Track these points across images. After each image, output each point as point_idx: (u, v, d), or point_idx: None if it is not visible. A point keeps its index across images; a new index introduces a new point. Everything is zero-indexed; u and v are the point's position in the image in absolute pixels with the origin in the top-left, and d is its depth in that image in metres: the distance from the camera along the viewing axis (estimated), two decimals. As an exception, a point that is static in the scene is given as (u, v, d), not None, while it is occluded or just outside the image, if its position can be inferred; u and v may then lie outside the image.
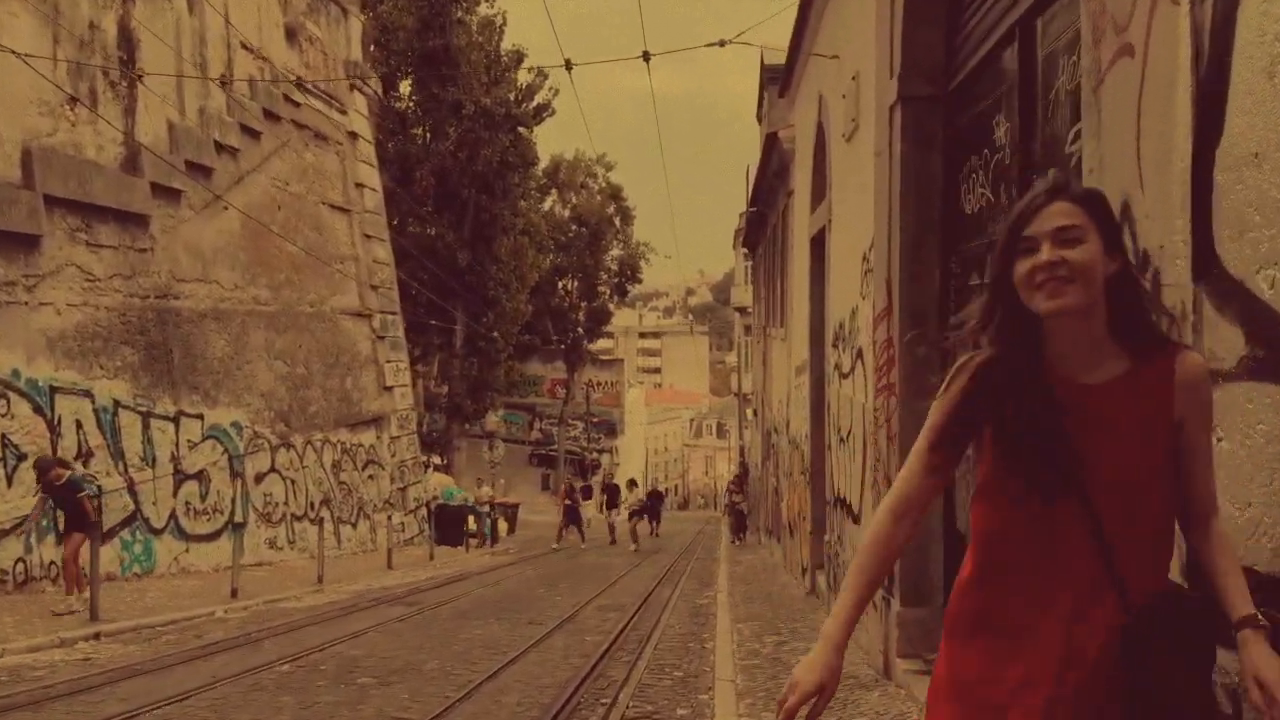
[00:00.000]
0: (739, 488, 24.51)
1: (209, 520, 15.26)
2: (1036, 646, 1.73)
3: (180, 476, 14.64)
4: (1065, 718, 1.70)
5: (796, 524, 12.86)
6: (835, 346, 8.83)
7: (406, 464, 24.03)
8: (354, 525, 20.60)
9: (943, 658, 1.88)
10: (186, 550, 14.65)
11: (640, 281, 53.51)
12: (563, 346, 52.73)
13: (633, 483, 26.37)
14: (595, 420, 58.93)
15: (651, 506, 27.05)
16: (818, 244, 10.77)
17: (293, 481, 18.22)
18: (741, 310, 46.12)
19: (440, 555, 21.57)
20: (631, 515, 23.59)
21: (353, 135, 23.23)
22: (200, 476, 15.15)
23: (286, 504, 17.89)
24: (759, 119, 23.58)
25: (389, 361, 23.57)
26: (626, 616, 10.22)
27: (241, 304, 17.16)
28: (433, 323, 30.54)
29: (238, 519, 16.05)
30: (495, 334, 31.97)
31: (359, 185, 23.23)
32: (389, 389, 23.44)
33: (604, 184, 52.73)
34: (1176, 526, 1.82)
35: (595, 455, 59.14)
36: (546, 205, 51.82)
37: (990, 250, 2.10)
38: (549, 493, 53.55)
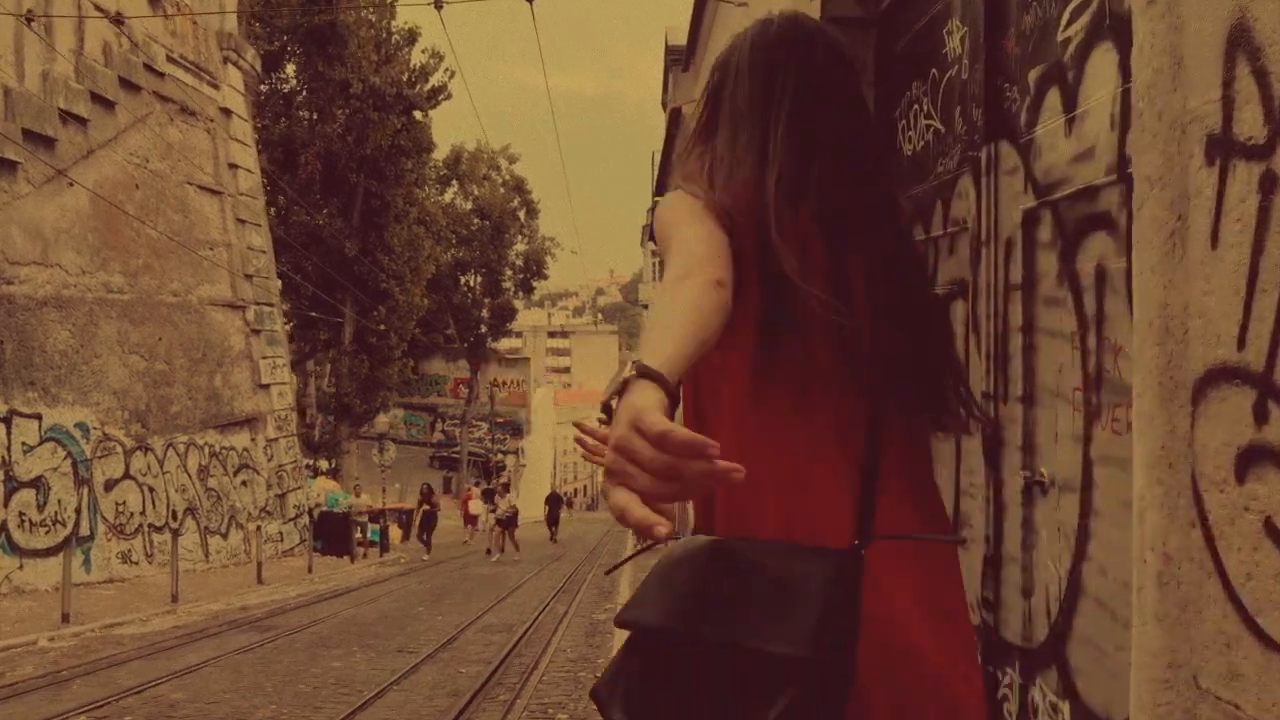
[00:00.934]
0: None
1: (48, 533, 13.50)
2: None
3: (12, 484, 12.88)
4: None
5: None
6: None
7: (286, 469, 22.32)
8: (224, 536, 18.87)
9: None
10: (20, 567, 12.90)
11: (546, 278, 52.17)
12: (465, 345, 51.00)
13: (505, 486, 24.77)
14: (501, 421, 57.35)
15: (551, 512, 26.01)
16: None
17: (151, 489, 16.48)
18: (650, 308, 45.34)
19: (322, 567, 19.98)
20: (498, 523, 21.62)
21: (226, 112, 21.45)
22: (37, 484, 13.39)
23: (144, 514, 16.14)
24: (664, 105, 22.62)
25: (265, 357, 21.83)
26: (513, 639, 9.04)
27: (90, 291, 15.38)
28: (316, 314, 28.80)
29: (82, 531, 14.31)
30: (387, 329, 30.27)
31: (232, 166, 21.46)
32: (265, 387, 21.70)
33: (507, 176, 51.25)
34: None
35: (500, 456, 57.60)
36: (447, 197, 50.13)
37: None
38: (449, 495, 51.86)
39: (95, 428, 15.04)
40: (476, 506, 34.56)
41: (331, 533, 24.19)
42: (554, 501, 27.81)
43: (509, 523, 21.36)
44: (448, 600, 12.80)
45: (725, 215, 1.38)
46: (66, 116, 15.11)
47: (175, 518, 16.98)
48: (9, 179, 13.60)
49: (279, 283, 26.76)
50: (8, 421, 12.95)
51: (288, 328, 35.19)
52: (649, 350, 1.13)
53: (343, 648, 8.82)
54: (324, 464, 33.50)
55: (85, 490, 14.52)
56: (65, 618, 10.59)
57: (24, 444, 13.22)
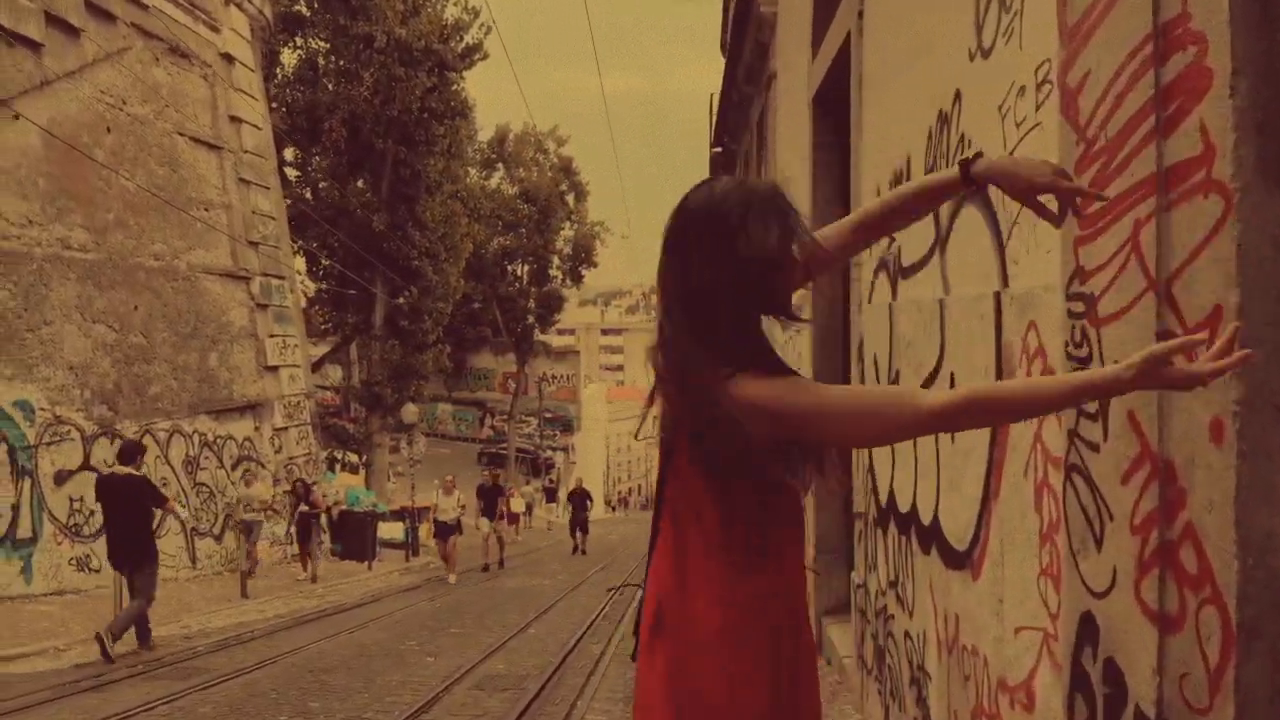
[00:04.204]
0: None
1: (-34, 537, 10.97)
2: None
3: (-88, 477, 10.34)
4: None
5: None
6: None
7: (297, 462, 19.73)
8: (217, 538, 16.29)
9: None
10: (-80, 581, 10.35)
11: (595, 265, 49.33)
12: (512, 337, 48.48)
13: (497, 486, 18.97)
14: (550, 416, 54.79)
15: (575, 514, 21.30)
16: (828, 100, 6.81)
17: (120, 483, 13.88)
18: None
19: (334, 574, 17.35)
20: (441, 532, 17.08)
21: (228, 59, 18.90)
22: (-49, 476, 10.86)
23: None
24: (722, 47, 19.55)
25: (273, 336, 19.26)
26: (519, 706, 6.15)
27: (39, 246, 12.84)
28: (338, 290, 26.29)
29: (21, 533, 11.76)
30: (420, 312, 27.65)
31: (235, 119, 18.90)
32: (272, 369, 19.12)
33: (555, 159, 48.53)
34: None
35: (550, 453, 55.08)
36: (493, 183, 47.62)
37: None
38: (501, 498, 49.26)
39: (43, 409, 12.49)
40: (517, 505, 32.03)
41: (351, 534, 21.61)
42: (579, 501, 22.28)
43: (451, 530, 16.52)
44: (454, 627, 9.97)
45: None
46: (12, 38, 12.57)
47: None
48: (-78, 101, 11.08)
49: (294, 254, 24.29)
50: (-90, 397, 10.41)
51: (323, 312, 32.93)
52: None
53: (263, 716, 5.99)
54: (354, 458, 31.09)
55: (27, 484, 11.97)
56: (-64, 653, 7.95)
57: (-66, 426, 10.68)
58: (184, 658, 8.22)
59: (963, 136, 3.57)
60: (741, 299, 1.69)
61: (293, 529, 16.97)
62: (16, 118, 12.44)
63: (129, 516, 8.73)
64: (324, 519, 20.95)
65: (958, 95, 3.61)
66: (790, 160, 8.83)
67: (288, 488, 17.60)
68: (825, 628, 7.03)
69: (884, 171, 4.69)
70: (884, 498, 4.72)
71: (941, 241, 3.75)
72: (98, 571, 12.84)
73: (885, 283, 4.70)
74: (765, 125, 11.33)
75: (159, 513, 9.79)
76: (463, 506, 16.75)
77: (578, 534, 22.72)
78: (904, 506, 4.28)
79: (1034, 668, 2.92)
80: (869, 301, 5.12)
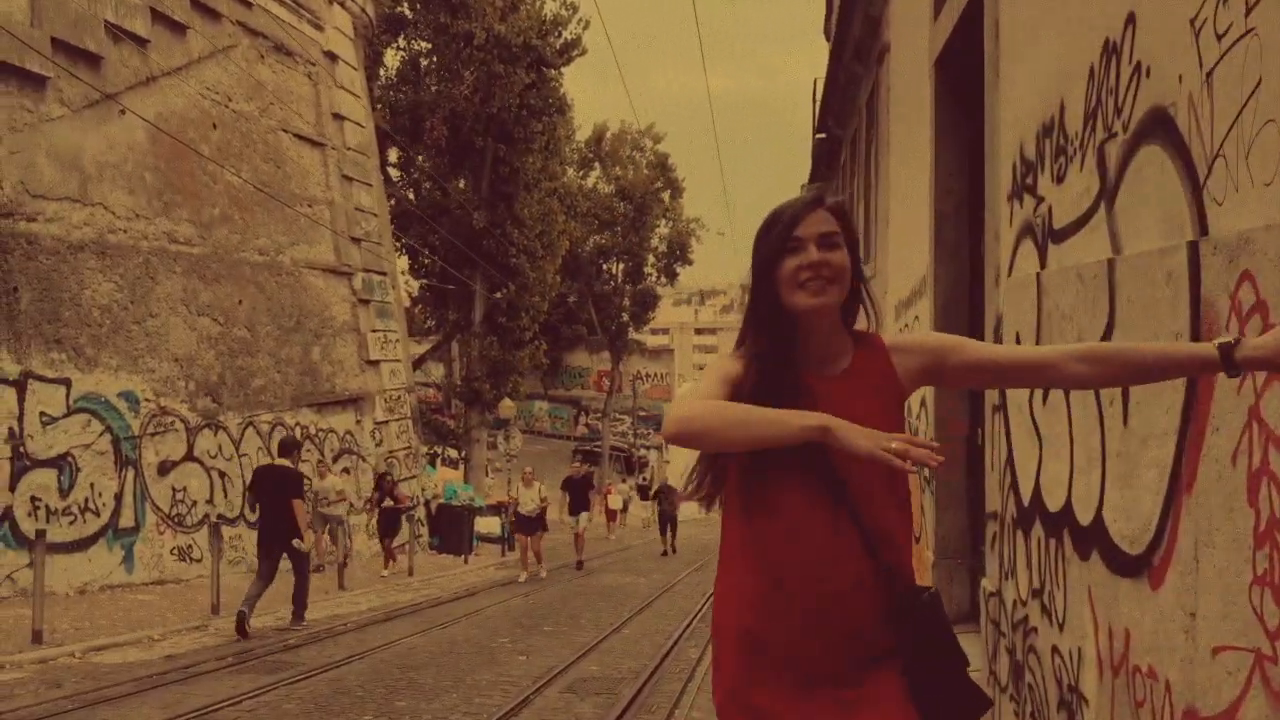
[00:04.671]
0: None
1: (74, 523, 11.12)
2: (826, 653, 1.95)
3: (24, 463, 10.52)
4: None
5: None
6: (1024, 193, 4.31)
7: (397, 455, 19.82)
8: (317, 530, 16.36)
9: None
10: (30, 564, 10.50)
11: (691, 263, 48.87)
12: (607, 335, 48.44)
13: (587, 478, 17.97)
14: (644, 414, 54.65)
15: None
16: (953, 61, 6.24)
17: (223, 474, 14.07)
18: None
19: (430, 568, 17.33)
20: (522, 526, 15.51)
21: (331, 57, 19.11)
22: (60, 463, 11.03)
23: (211, 503, 13.73)
24: (826, 33, 18.87)
25: (375, 331, 19.40)
26: (615, 712, 5.76)
27: (146, 239, 13.04)
28: (439, 285, 26.41)
29: (124, 522, 11.93)
30: (518, 309, 27.63)
31: (338, 116, 19.09)
32: (373, 364, 19.26)
33: (651, 156, 48.25)
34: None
35: (643, 452, 54.90)
36: (590, 181, 47.63)
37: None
38: (592, 492, 49.37)
39: (148, 400, 12.67)
40: (616, 501, 31.79)
41: (448, 528, 21.66)
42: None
43: (534, 524, 15.34)
44: (547, 625, 9.65)
45: None
46: (118, 33, 12.80)
47: (254, 509, 14.49)
48: (34, 96, 11.29)
49: (396, 251, 24.51)
50: (20, 386, 10.59)
51: (425, 310, 33.31)
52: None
53: (348, 715, 5.72)
54: (454, 453, 31.31)
55: (130, 473, 12.14)
56: (36, 636, 7.96)
57: (44, 414, 10.86)
58: (275, 650, 8.09)
59: (1138, 66, 3.01)
60: (753, 298, 1.98)
61: (375, 523, 16.75)
62: (123, 113, 12.65)
63: (281, 502, 9.41)
64: (421, 513, 21.07)
65: (1130, 18, 3.06)
66: (906, 134, 8.24)
67: (373, 483, 17.36)
68: (945, 638, 6.44)
69: (1029, 124, 4.14)
70: (1027, 495, 4.16)
71: (1108, 192, 3.20)
72: (199, 561, 12.99)
73: (1030, 251, 4.15)
74: (875, 103, 10.72)
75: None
76: (544, 499, 15.66)
77: (667, 532, 22.01)
78: (1054, 504, 3.73)
79: (1239, 697, 2.37)
80: (1008, 274, 4.56)
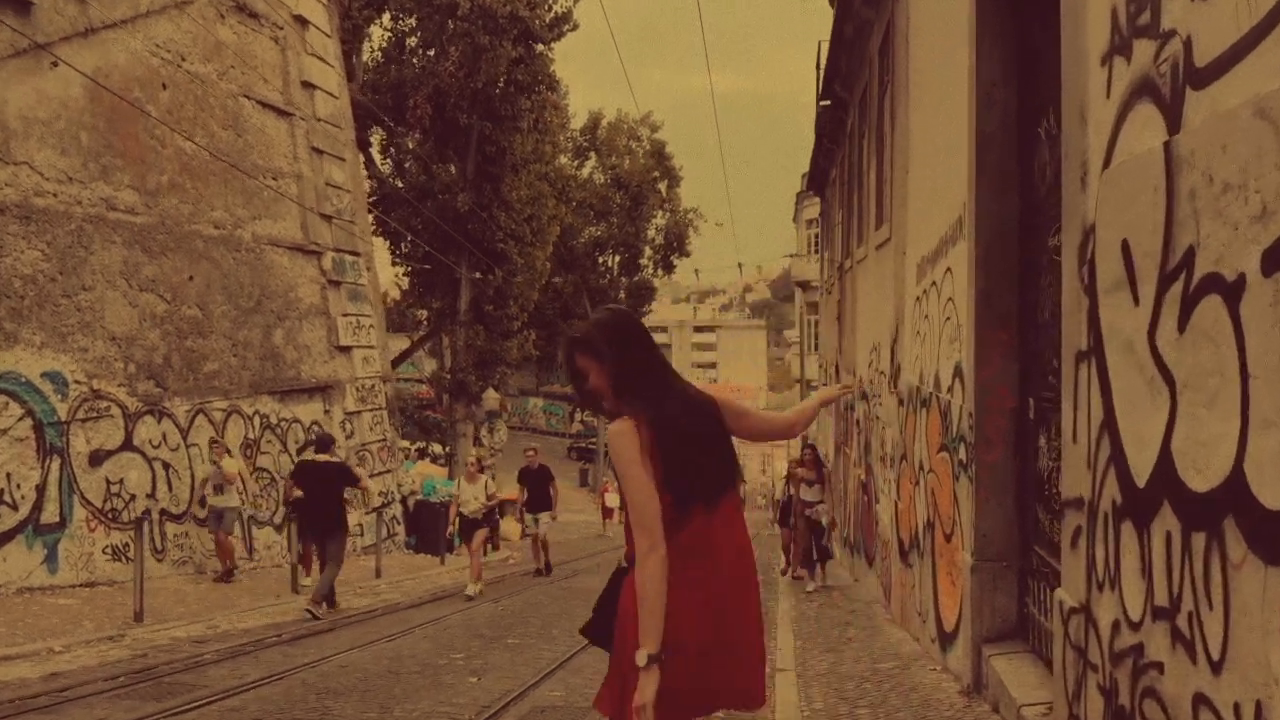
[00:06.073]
0: (815, 474, 11.62)
1: (-16, 519, 9.85)
2: None
3: (-80, 450, 9.24)
4: None
5: (921, 543, 7.02)
6: (1132, 40, 3.05)
7: (370, 449, 18.56)
8: (278, 528, 15.12)
9: None
10: (-74, 567, 9.24)
11: (688, 254, 47.56)
12: (602, 329, 47.05)
13: (543, 469, 14.73)
14: (640, 411, 53.22)
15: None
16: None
17: (168, 465, 12.80)
18: (804, 285, 40.08)
19: (401, 569, 16.09)
20: (466, 529, 12.69)
21: (300, 21, 17.81)
22: (-32, 452, 9.76)
23: (152, 497, 12.45)
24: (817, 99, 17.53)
25: (346, 315, 18.12)
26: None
27: (79, 205, 11.76)
28: (425, 266, 25.14)
29: (47, 517, 10.65)
30: (506, 297, 26.37)
31: (308, 85, 17.80)
32: (344, 350, 17.99)
33: (648, 145, 46.93)
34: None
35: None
36: (585, 172, 46.36)
37: None
38: (586, 488, 48.05)
39: (79, 381, 11.39)
40: (613, 499, 30.52)
41: (426, 527, 20.41)
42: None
43: (479, 526, 12.70)
44: (512, 636, 8.38)
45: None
46: (50, -25, 11.52)
47: (201, 504, 13.22)
48: (-57, 36, 10.02)
49: (374, 235, 23.26)
50: (-83, 361, 9.33)
51: (408, 301, 32.03)
52: (650, 638, 2.38)
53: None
54: (437, 448, 30.02)
55: (55, 463, 10.86)
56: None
57: (-53, 395, 9.59)
58: (182, 668, 6.82)
59: None
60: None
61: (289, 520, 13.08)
62: (55, 65, 11.37)
63: (327, 495, 10.30)
64: (398, 510, 19.78)
65: None
66: (932, 61, 6.98)
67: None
68: (988, 660, 5.18)
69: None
70: (1143, 471, 2.90)
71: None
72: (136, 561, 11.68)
73: (1148, 117, 2.88)
74: (890, 45, 9.46)
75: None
76: (492, 496, 12.86)
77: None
78: (1204, 481, 2.47)
79: None
80: (1104, 166, 3.30)
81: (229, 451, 13.22)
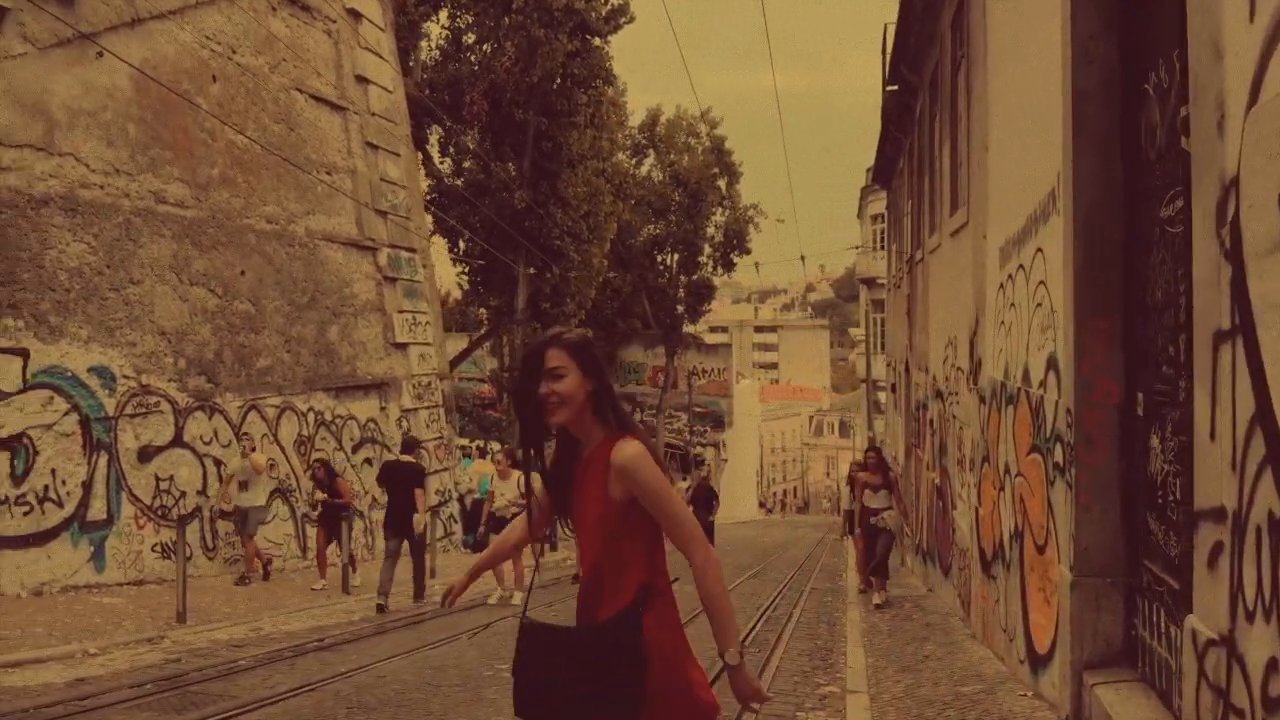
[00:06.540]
0: (880, 477, 10.75)
1: (29, 514, 9.68)
2: None
3: (-37, 445, 9.10)
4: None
5: (1007, 553, 6.38)
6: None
7: (427, 446, 18.28)
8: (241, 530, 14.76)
9: None
10: (-32, 563, 9.08)
11: (748, 251, 46.76)
12: (661, 329, 46.74)
13: (501, 466, 12.50)
14: (700, 411, 52.82)
15: (699, 519, 13.83)
16: None
17: (219, 462, 12.60)
18: (869, 283, 39.10)
19: (456, 569, 15.71)
20: (497, 529, 11.16)
21: (354, 14, 17.62)
22: (14, 445, 9.59)
23: (203, 494, 12.27)
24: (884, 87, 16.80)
25: (402, 311, 17.89)
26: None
27: (128, 198, 11.60)
28: (481, 262, 24.81)
29: (94, 514, 10.48)
30: (563, 295, 26.04)
31: (362, 79, 17.60)
32: (400, 346, 17.76)
33: (707, 142, 46.24)
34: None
35: (700, 449, 53.07)
36: (644, 169, 45.88)
37: None
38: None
39: (127, 376, 11.22)
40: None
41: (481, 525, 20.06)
42: (705, 501, 14.85)
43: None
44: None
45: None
46: (99, -34, 11.38)
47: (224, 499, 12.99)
48: (-11, 26, 9.89)
49: (429, 228, 23.05)
50: (-38, 355, 9.19)
51: (466, 302, 31.88)
52: (734, 636, 2.37)
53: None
54: (495, 446, 29.79)
55: (102, 459, 10.69)
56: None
57: (-9, 389, 9.44)
58: (214, 675, 6.47)
59: None
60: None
61: (312, 521, 13.40)
62: (100, 55, 11.22)
63: (407, 494, 10.68)
64: (455, 509, 19.50)
65: None
66: (1016, 22, 6.33)
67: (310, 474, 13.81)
68: (1091, 689, 4.57)
69: None
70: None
71: None
72: (188, 559, 11.45)
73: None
74: (964, 15, 8.80)
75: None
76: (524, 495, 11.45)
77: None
78: None
79: None
80: (1249, 105, 2.70)
81: (258, 447, 12.81)
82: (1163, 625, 4.27)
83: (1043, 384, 5.41)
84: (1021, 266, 6.05)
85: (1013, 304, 6.33)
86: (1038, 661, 5.47)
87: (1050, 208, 5.28)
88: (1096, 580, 4.69)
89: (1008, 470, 6.37)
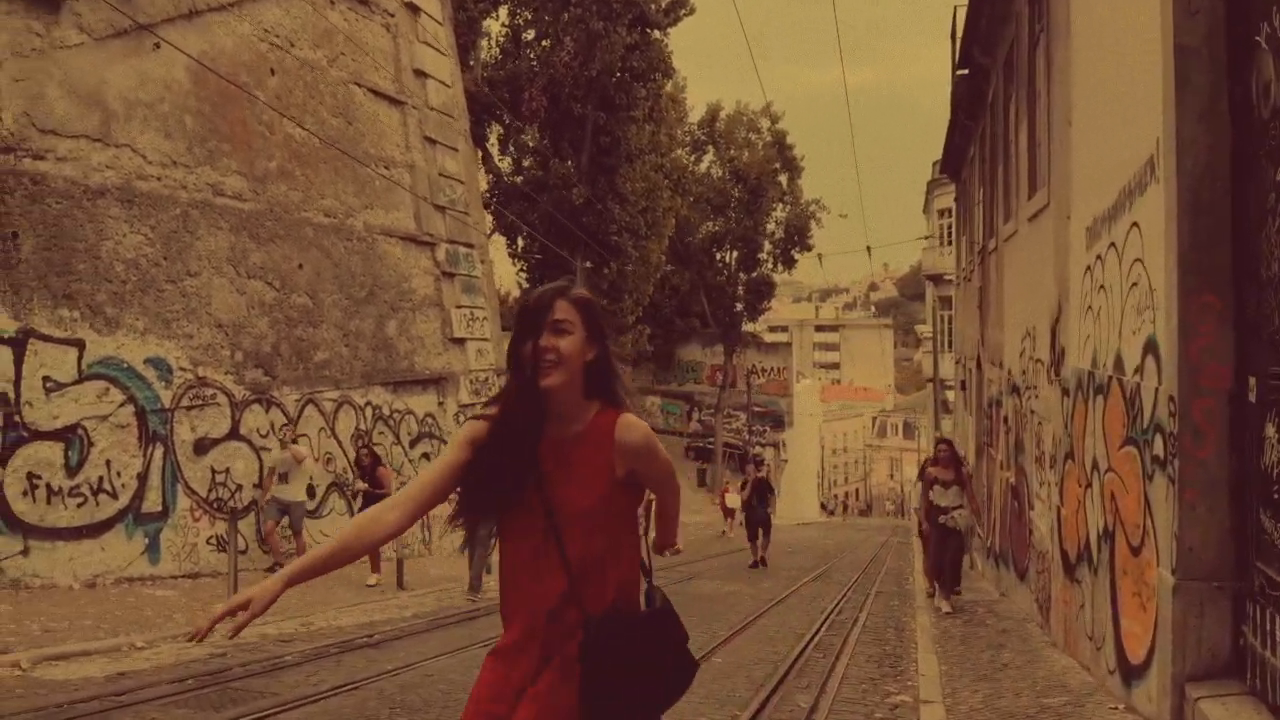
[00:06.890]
0: (951, 472, 10.14)
1: (83, 505, 9.66)
2: (525, 656, 2.16)
3: (17, 433, 9.08)
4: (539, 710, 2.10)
5: (1095, 555, 5.90)
6: None
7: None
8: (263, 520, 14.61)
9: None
10: (24, 551, 9.04)
11: (810, 248, 46.04)
12: (720, 327, 46.32)
13: (368, 461, 12.54)
14: (759, 410, 52.20)
15: (754, 513, 15.90)
16: None
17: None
18: (936, 279, 38.18)
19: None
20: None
21: (412, 9, 17.52)
22: (67, 436, 9.58)
23: (259, 487, 12.20)
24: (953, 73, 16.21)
25: (460, 307, 17.76)
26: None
27: (184, 189, 11.58)
28: (538, 256, 24.70)
29: (149, 506, 10.44)
30: (620, 291, 25.79)
31: (420, 74, 17.50)
32: (459, 342, 17.62)
33: (768, 137, 45.66)
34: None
35: (759, 449, 52.45)
36: (703, 167, 45.49)
37: None
38: (704, 488, 47.13)
39: (184, 369, 11.18)
40: (734, 500, 29.45)
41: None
42: (760, 494, 16.16)
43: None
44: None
45: None
46: (155, -43, 11.37)
47: (312, 495, 12.95)
48: (45, 18, 9.89)
49: (488, 224, 22.97)
50: (18, 345, 9.17)
51: (519, 295, 31.86)
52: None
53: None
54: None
55: (158, 451, 10.66)
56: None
57: (48, 379, 9.42)
58: (258, 671, 6.29)
59: None
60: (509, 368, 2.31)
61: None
62: (158, 46, 11.21)
63: None
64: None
65: None
66: (1103, 10, 5.86)
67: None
68: (1194, 703, 4.11)
69: None
70: None
71: None
72: (243, 552, 11.37)
73: None
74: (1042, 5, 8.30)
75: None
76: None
77: (758, 538, 16.68)
78: None
79: None
80: None
81: (297, 440, 12.58)
82: (1276, 634, 3.82)
83: (1139, 370, 4.95)
84: (1113, 244, 5.58)
85: (1102, 286, 5.86)
86: (1131, 672, 5.01)
87: (1147, 178, 4.83)
88: (1201, 584, 4.23)
89: (1096, 466, 5.89)
